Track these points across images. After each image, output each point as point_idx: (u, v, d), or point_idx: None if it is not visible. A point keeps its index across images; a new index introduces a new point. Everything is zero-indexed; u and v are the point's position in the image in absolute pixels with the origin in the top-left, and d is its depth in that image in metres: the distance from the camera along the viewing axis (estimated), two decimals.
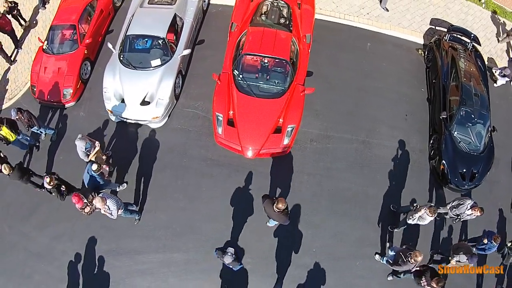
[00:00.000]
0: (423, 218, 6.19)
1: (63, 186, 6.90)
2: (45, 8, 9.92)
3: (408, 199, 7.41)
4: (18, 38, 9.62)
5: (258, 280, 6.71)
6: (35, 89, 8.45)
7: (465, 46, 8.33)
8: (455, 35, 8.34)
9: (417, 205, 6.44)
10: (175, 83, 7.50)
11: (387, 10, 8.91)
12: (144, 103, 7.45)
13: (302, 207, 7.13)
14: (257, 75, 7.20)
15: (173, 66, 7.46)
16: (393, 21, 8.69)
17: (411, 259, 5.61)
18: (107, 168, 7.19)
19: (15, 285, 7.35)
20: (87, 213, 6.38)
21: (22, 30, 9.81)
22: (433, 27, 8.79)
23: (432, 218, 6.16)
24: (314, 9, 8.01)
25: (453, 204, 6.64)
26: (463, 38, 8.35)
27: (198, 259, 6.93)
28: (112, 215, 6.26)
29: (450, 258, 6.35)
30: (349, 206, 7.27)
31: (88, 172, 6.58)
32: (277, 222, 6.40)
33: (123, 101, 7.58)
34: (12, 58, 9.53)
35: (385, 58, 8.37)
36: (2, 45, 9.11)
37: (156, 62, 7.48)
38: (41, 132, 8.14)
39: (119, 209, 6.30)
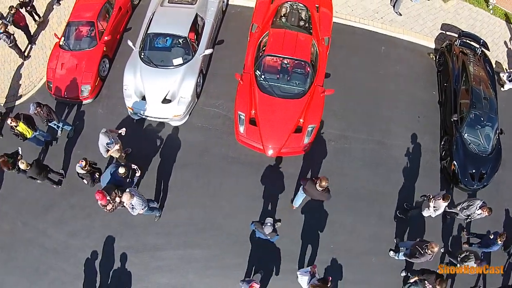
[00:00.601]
0: (438, 207, 6.44)
1: (97, 173, 6.86)
2: (60, 4, 9.89)
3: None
4: (32, 34, 9.56)
5: (279, 276, 6.87)
6: (51, 85, 8.42)
7: (474, 51, 8.64)
8: (465, 40, 8.63)
9: (429, 195, 6.67)
10: (197, 82, 7.58)
11: (400, 14, 9.17)
12: (165, 101, 7.51)
13: (321, 205, 7.31)
14: (278, 75, 7.36)
15: (195, 65, 7.55)
16: (406, 26, 8.95)
17: (428, 250, 5.85)
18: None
19: (30, 281, 7.37)
20: (109, 210, 6.34)
21: (36, 26, 9.75)
22: (444, 32, 9.08)
23: (446, 204, 6.39)
24: (332, 12, 8.20)
25: (463, 206, 6.91)
26: (473, 43, 8.66)
27: (218, 255, 7.06)
28: (133, 212, 6.30)
29: (458, 265, 6.56)
30: (365, 204, 7.49)
31: (110, 173, 6.51)
32: (300, 203, 6.71)
33: (143, 98, 7.63)
34: (25, 54, 9.46)
35: (399, 61, 8.63)
36: (16, 41, 9.05)
37: (178, 60, 7.55)
38: (58, 127, 8.13)
39: (143, 208, 6.34)
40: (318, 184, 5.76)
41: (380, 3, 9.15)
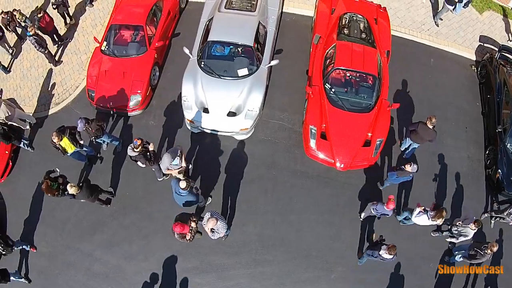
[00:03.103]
0: (467, 233, 6.46)
1: (149, 152, 6.28)
2: (93, 5, 9.03)
3: (468, 206, 7.83)
4: (62, 37, 8.64)
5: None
6: (93, 95, 7.68)
7: (511, 64, 8.98)
8: (504, 53, 8.95)
9: (460, 223, 6.64)
10: (265, 93, 7.23)
11: (437, 25, 9.31)
12: (230, 113, 7.11)
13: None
14: (346, 89, 7.24)
15: (262, 76, 7.23)
16: (450, 38, 9.14)
17: (487, 250, 6.10)
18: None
19: None
20: (188, 240, 5.82)
21: (66, 29, 8.83)
22: (482, 44, 9.38)
23: (475, 230, 6.38)
24: (390, 25, 8.14)
25: (510, 211, 7.20)
26: (510, 56, 8.99)
27: (290, 271, 6.91)
28: (213, 236, 5.89)
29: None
30: None
31: (177, 193, 5.97)
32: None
33: (204, 110, 7.14)
34: (56, 59, 8.52)
35: (446, 73, 8.80)
36: (47, 45, 8.11)
37: (243, 71, 7.17)
38: (104, 142, 7.42)
39: (224, 232, 5.97)
40: (429, 123, 6.54)
41: (426, 15, 9.27)
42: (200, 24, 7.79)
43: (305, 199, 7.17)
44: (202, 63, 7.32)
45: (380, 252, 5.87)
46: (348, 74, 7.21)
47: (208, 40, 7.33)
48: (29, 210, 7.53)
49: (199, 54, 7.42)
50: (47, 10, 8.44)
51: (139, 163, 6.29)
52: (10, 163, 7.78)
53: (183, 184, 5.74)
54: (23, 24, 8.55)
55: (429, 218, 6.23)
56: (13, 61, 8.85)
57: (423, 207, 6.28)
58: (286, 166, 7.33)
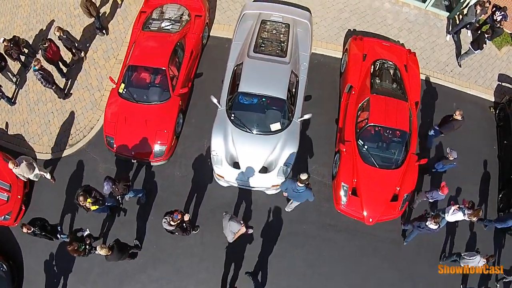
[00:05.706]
0: (474, 261, 7.13)
1: (185, 222, 6.26)
2: (104, 34, 8.50)
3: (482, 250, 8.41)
4: (69, 64, 8.11)
5: None
6: (112, 142, 7.46)
7: None
8: None
9: (478, 250, 7.44)
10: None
11: (460, 66, 9.49)
12: (261, 169, 7.11)
13: (412, 260, 7.74)
14: (377, 144, 7.45)
15: (295, 131, 7.25)
16: (471, 79, 9.42)
17: None
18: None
19: None
20: None
21: (76, 60, 8.25)
22: (500, 83, 9.67)
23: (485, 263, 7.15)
24: (419, 71, 8.23)
25: None
26: None
27: None
28: None
29: None
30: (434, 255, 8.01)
31: (295, 191, 6.09)
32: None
33: (235, 165, 7.11)
34: (65, 92, 8.04)
35: (466, 116, 8.97)
36: (54, 79, 7.67)
37: (275, 126, 7.15)
38: (126, 194, 7.27)
39: None
40: (459, 115, 7.53)
41: (449, 54, 9.47)
42: (228, 69, 7.59)
43: (334, 251, 7.56)
44: (232, 115, 7.23)
45: (427, 223, 6.68)
46: (380, 130, 7.38)
47: (238, 91, 7.18)
48: (46, 255, 7.46)
49: (228, 104, 7.28)
50: (51, 38, 7.88)
51: (176, 233, 6.25)
52: (23, 208, 7.56)
53: (304, 176, 5.74)
54: (25, 50, 7.93)
55: (464, 215, 7.03)
56: (18, 91, 8.38)
57: (457, 206, 7.10)
58: (316, 220, 7.62)
